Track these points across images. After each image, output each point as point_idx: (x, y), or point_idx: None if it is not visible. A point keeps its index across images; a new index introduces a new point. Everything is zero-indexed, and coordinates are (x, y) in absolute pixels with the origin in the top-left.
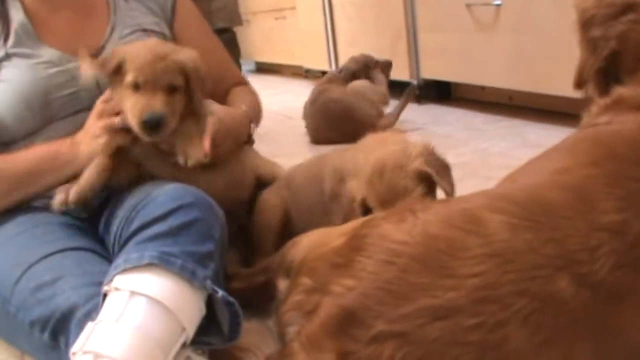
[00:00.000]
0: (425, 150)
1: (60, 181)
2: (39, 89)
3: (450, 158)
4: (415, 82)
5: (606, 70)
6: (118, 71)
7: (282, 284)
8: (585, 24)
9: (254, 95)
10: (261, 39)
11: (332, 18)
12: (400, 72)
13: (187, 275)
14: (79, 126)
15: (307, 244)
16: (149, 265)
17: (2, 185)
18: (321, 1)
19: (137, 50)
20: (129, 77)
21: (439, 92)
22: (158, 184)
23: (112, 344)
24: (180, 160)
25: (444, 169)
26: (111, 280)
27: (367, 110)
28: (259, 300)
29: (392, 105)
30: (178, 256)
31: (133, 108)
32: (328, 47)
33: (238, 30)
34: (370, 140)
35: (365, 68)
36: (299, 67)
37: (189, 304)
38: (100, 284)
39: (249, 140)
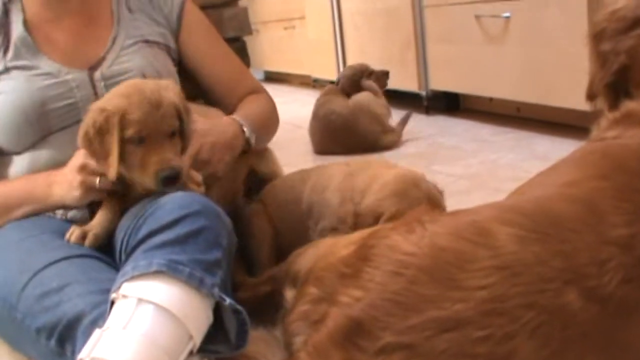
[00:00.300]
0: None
1: (38, 213)
2: (35, 100)
3: (459, 169)
4: (423, 93)
5: (616, 84)
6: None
7: (289, 294)
8: (596, 37)
9: (268, 102)
10: (270, 48)
11: (341, 28)
12: (408, 83)
13: (195, 283)
14: None
15: (313, 254)
16: (157, 273)
17: None
18: (330, 11)
19: (129, 102)
20: (130, 132)
21: (448, 103)
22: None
23: (120, 351)
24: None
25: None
26: (119, 287)
27: (369, 124)
28: (266, 309)
29: (395, 113)
30: (186, 264)
31: (146, 165)
32: (337, 57)
33: (247, 39)
34: (360, 163)
35: (360, 75)
36: (308, 77)
37: (196, 311)
38: (106, 291)
39: (249, 149)
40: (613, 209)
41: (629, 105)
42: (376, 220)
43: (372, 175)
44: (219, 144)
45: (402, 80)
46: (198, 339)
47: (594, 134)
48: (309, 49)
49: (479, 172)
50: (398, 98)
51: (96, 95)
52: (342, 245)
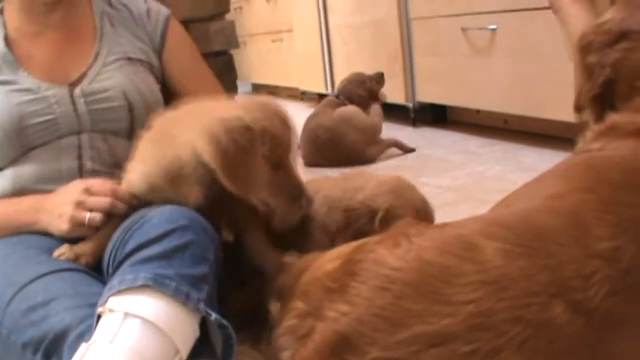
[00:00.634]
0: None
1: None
2: (13, 115)
3: (446, 181)
4: (410, 105)
5: (602, 96)
6: None
7: (275, 308)
8: (583, 49)
9: None
10: (258, 61)
11: (329, 41)
12: (396, 95)
13: (181, 297)
14: (62, 153)
15: (299, 267)
16: (143, 287)
17: None
18: (318, 24)
19: (269, 119)
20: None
21: (435, 115)
22: (152, 206)
23: None
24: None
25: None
26: (105, 301)
27: (354, 138)
28: (252, 323)
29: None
30: (172, 278)
31: (286, 189)
32: (324, 69)
33: (235, 52)
34: (356, 171)
35: (361, 85)
36: (296, 89)
37: (183, 325)
38: (93, 305)
39: None
40: (597, 221)
41: (613, 117)
42: (371, 217)
43: (368, 177)
44: None
45: (390, 92)
46: (185, 353)
47: (580, 146)
48: (296, 62)
49: (466, 184)
50: (385, 110)
51: (76, 112)
52: (327, 259)
